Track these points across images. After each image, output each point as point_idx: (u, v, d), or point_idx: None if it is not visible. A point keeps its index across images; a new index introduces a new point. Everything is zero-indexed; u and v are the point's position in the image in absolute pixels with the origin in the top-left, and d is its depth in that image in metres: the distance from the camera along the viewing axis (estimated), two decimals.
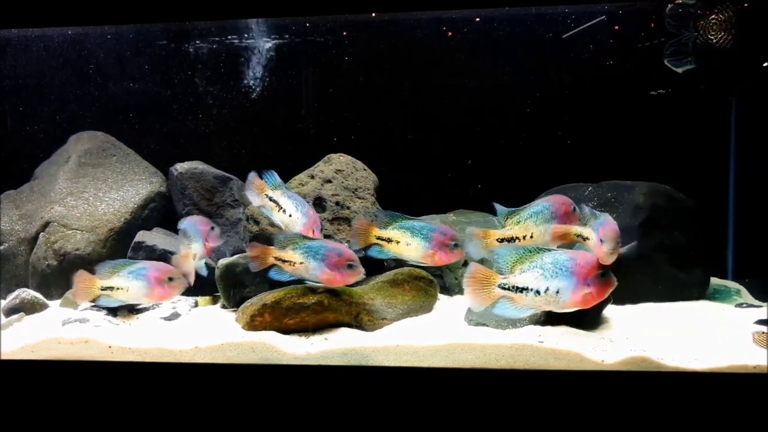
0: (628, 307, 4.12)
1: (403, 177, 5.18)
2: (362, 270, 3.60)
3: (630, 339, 3.44)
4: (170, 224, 5.22)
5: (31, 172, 5.48)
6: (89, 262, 4.79)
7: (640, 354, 3.10)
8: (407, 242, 3.71)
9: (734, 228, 5.01)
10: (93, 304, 4.03)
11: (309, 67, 5.34)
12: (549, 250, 3.17)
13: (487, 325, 3.70)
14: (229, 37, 5.31)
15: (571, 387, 3.00)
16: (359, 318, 3.82)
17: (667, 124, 4.92)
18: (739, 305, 4.20)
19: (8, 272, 5.00)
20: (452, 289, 4.65)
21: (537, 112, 5.16)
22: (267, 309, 3.68)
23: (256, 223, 4.52)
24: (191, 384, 3.21)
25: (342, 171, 4.68)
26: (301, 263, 3.64)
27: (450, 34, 5.19)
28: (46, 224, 4.96)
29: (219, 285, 4.32)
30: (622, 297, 4.02)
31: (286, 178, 4.65)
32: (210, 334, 3.62)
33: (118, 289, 3.77)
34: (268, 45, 5.31)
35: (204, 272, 4.28)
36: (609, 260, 3.13)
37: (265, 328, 3.67)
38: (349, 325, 3.79)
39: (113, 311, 4.23)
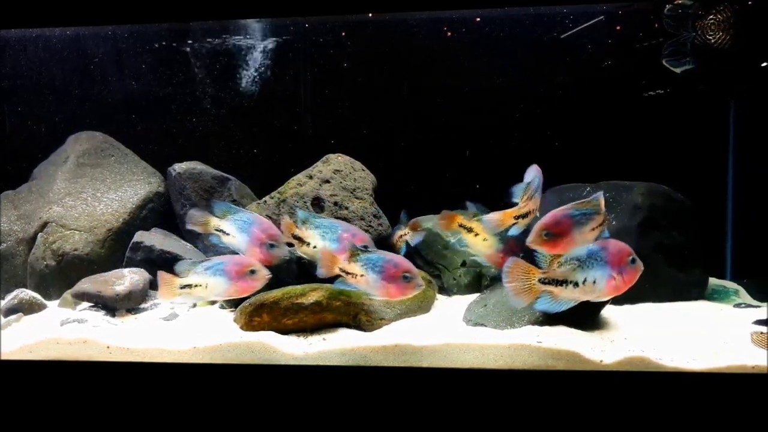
0: (627, 308, 4.12)
1: (401, 177, 5.17)
2: (420, 282, 3.43)
3: (629, 339, 3.44)
4: (169, 224, 5.23)
5: (29, 172, 5.48)
6: (87, 263, 4.81)
7: (639, 354, 3.10)
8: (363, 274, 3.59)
9: (733, 228, 5.01)
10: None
11: (307, 67, 5.34)
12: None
13: (486, 326, 3.70)
14: (228, 37, 5.31)
15: (569, 387, 3.00)
16: (358, 318, 3.82)
17: (665, 125, 4.92)
18: (738, 305, 4.20)
19: (7, 272, 4.99)
20: (450, 289, 4.65)
21: (536, 112, 5.17)
22: (265, 309, 3.68)
23: None
24: (189, 384, 3.21)
25: (340, 171, 4.68)
26: (362, 276, 3.48)
27: (449, 34, 5.19)
28: (45, 224, 4.95)
29: None
30: (620, 297, 4.01)
31: (284, 178, 4.65)
32: (208, 334, 3.61)
33: (196, 286, 3.66)
34: (267, 45, 5.32)
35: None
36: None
37: (263, 329, 3.66)
38: (348, 326, 3.79)
39: (112, 311, 4.23)
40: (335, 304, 3.74)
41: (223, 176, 5.19)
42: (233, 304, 4.24)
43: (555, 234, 3.20)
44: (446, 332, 3.56)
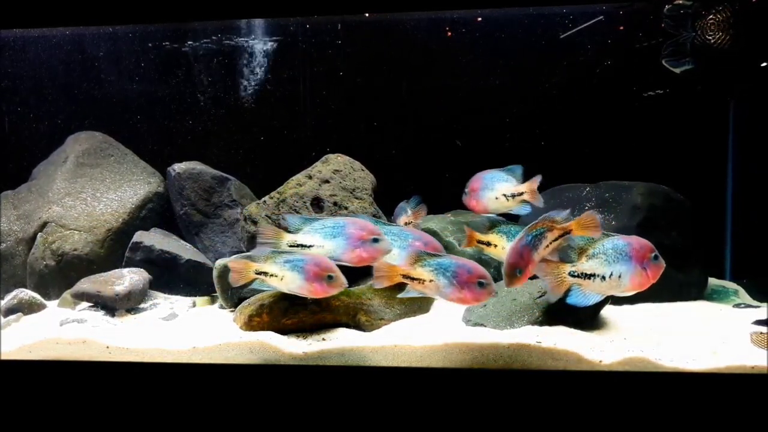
0: (626, 308, 4.12)
1: (401, 177, 5.17)
2: (495, 288, 3.27)
3: (628, 339, 3.44)
4: (168, 224, 5.23)
5: (29, 172, 5.48)
6: (87, 263, 4.81)
7: (638, 354, 3.10)
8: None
9: (732, 228, 5.01)
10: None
11: (307, 68, 5.34)
12: (608, 235, 3.21)
13: (485, 326, 3.70)
14: (227, 37, 5.31)
15: (569, 387, 3.00)
16: (357, 318, 3.82)
17: (665, 125, 4.92)
18: (737, 305, 4.20)
19: (6, 272, 4.99)
20: None
21: (535, 113, 5.17)
22: (265, 309, 3.68)
23: (254, 223, 4.52)
24: (189, 384, 3.21)
25: (340, 171, 4.68)
26: (431, 281, 3.30)
27: (449, 34, 5.19)
28: (44, 224, 4.95)
29: (217, 285, 4.32)
30: (620, 297, 4.02)
31: (283, 178, 4.65)
32: (208, 334, 3.61)
33: (272, 275, 3.51)
34: (266, 45, 5.31)
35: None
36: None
37: (263, 329, 3.66)
38: (347, 326, 3.78)
39: (111, 311, 4.23)
40: (335, 304, 3.74)
41: (223, 176, 5.19)
42: (233, 304, 4.24)
43: (523, 268, 3.22)
44: (445, 332, 3.56)
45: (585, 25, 4.82)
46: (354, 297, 3.83)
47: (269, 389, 3.16)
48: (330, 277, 3.41)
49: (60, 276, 4.80)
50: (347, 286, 3.53)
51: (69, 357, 3.37)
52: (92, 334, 3.57)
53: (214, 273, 4.31)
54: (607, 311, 3.85)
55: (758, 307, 4.15)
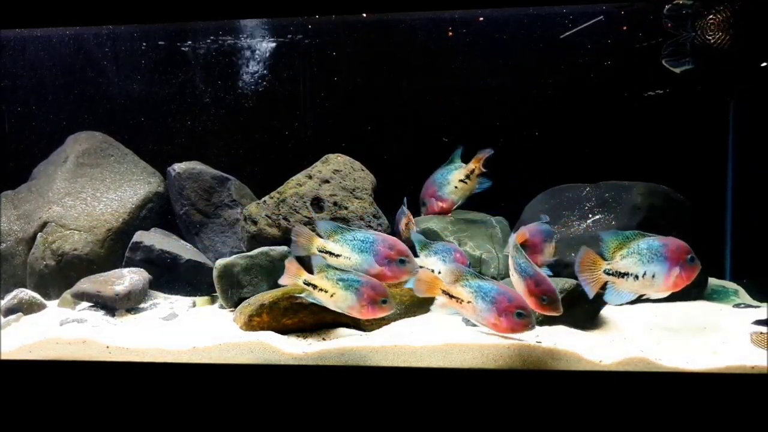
0: (626, 308, 4.11)
1: (401, 177, 5.17)
2: (533, 321, 3.27)
3: (628, 339, 3.44)
4: (168, 224, 5.23)
5: (29, 172, 5.47)
6: (87, 263, 4.81)
7: (638, 354, 3.10)
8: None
9: (732, 228, 5.01)
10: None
11: (307, 67, 5.34)
12: (645, 235, 3.25)
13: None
14: (227, 37, 5.31)
15: (568, 387, 3.00)
16: (357, 318, 3.81)
17: (665, 125, 4.92)
18: (737, 305, 4.20)
19: (6, 272, 4.99)
20: None
21: (535, 112, 5.16)
22: (265, 309, 3.68)
23: (254, 223, 4.52)
24: (189, 384, 3.21)
25: (340, 171, 4.68)
26: (468, 302, 3.32)
27: (450, 34, 5.19)
28: (44, 224, 4.95)
29: (217, 285, 4.32)
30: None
31: (283, 178, 4.65)
32: (208, 334, 3.61)
33: (322, 290, 3.45)
34: (266, 45, 5.32)
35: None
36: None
37: (263, 329, 3.66)
38: (347, 326, 3.78)
39: (111, 311, 4.23)
40: None
41: (223, 176, 5.19)
42: (233, 304, 4.24)
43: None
44: (445, 332, 3.56)
45: (585, 25, 4.82)
46: None
47: (269, 389, 3.16)
48: (384, 301, 3.37)
49: (60, 276, 4.79)
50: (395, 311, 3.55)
51: (69, 357, 3.37)
52: (92, 334, 3.57)
53: (214, 273, 4.31)
54: (607, 311, 3.85)
55: (758, 307, 4.15)
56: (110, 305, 4.24)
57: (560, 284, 3.64)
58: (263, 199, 4.59)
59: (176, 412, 3.20)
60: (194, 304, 4.55)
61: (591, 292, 3.29)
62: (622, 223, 4.34)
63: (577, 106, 5.09)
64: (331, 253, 3.59)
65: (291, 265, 3.51)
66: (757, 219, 4.67)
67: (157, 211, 5.24)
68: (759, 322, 3.67)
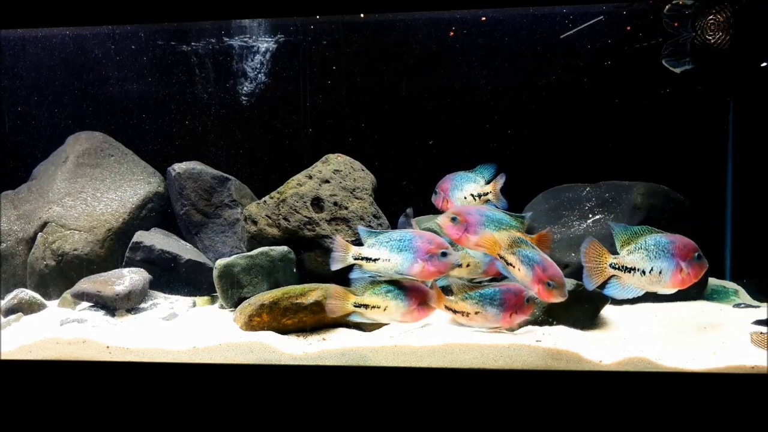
0: (626, 308, 4.12)
1: (401, 177, 5.17)
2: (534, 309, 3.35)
3: (628, 339, 3.44)
4: (168, 224, 5.23)
5: (29, 172, 5.47)
6: (87, 263, 4.81)
7: (638, 354, 3.10)
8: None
9: (732, 228, 5.01)
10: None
11: (307, 67, 5.34)
12: (653, 231, 3.25)
13: None
14: (227, 37, 5.31)
15: (569, 387, 3.00)
16: None
17: (665, 125, 4.92)
18: (737, 305, 4.20)
19: (6, 272, 4.99)
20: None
21: (535, 112, 5.16)
22: (265, 309, 3.68)
23: (254, 223, 4.52)
24: (189, 384, 3.21)
25: (340, 171, 4.68)
26: (476, 313, 3.40)
27: (451, 34, 5.19)
28: (44, 224, 4.95)
29: (217, 285, 4.32)
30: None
31: (284, 178, 4.65)
32: (208, 334, 3.61)
33: (374, 307, 3.42)
34: (267, 45, 5.32)
35: None
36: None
37: (263, 329, 3.67)
38: (347, 326, 3.78)
39: (111, 311, 4.23)
40: None
41: (223, 176, 5.19)
42: (233, 304, 4.24)
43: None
44: (446, 332, 3.56)
45: (585, 25, 4.82)
46: None
47: (269, 389, 3.16)
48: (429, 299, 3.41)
49: (60, 276, 4.80)
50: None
51: (69, 357, 3.37)
52: (92, 334, 3.57)
53: (215, 273, 4.31)
54: (608, 311, 3.85)
55: (758, 307, 4.15)
56: (110, 305, 4.24)
57: None
58: (263, 199, 4.59)
59: (176, 412, 3.20)
60: (194, 304, 4.56)
61: (591, 285, 3.28)
62: (622, 223, 4.34)
63: (577, 106, 5.09)
64: (368, 259, 3.50)
65: (337, 290, 3.46)
66: (756, 219, 4.67)
67: (157, 211, 5.24)
68: (759, 322, 3.67)
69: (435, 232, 4.64)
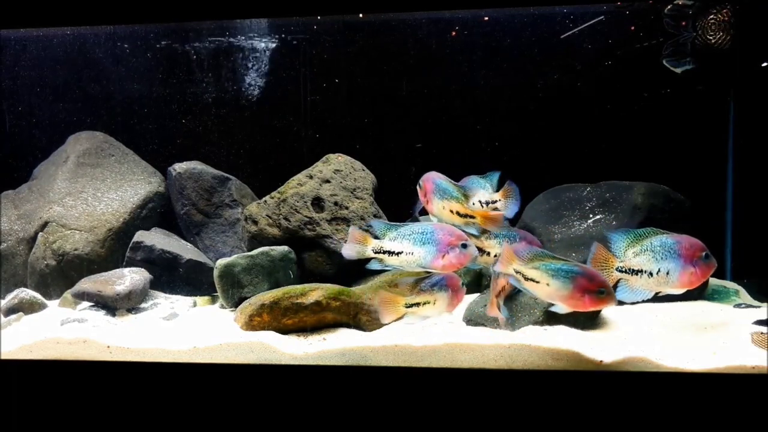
0: (626, 308, 4.11)
1: (401, 177, 5.17)
2: (615, 299, 3.16)
3: (628, 339, 3.44)
4: (169, 224, 5.23)
5: (29, 172, 5.48)
6: (88, 262, 4.81)
7: (639, 354, 3.10)
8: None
9: (733, 228, 5.01)
10: None
11: (307, 67, 5.34)
12: (657, 232, 3.23)
13: (486, 325, 3.70)
14: (228, 37, 5.31)
15: (569, 387, 3.00)
16: (357, 318, 3.82)
17: (665, 125, 4.92)
18: (738, 305, 4.19)
19: (7, 272, 4.99)
20: None
21: (536, 112, 5.16)
22: (265, 309, 3.68)
23: (255, 223, 4.52)
24: (189, 384, 3.21)
25: (340, 171, 4.69)
26: (547, 285, 3.23)
27: (454, 34, 5.19)
28: (45, 224, 4.96)
29: (218, 285, 4.32)
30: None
31: (284, 178, 4.66)
32: (208, 334, 3.62)
33: (424, 303, 3.40)
34: (267, 45, 5.32)
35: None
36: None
37: (263, 328, 3.67)
38: (348, 326, 3.79)
39: (112, 311, 4.23)
40: (335, 304, 3.74)
41: (223, 176, 5.20)
42: (234, 303, 4.24)
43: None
44: (446, 332, 3.56)
45: (586, 24, 4.82)
46: (355, 297, 3.84)
47: (270, 389, 3.16)
48: (463, 285, 3.43)
49: (61, 276, 4.80)
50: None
51: (70, 357, 3.38)
52: (93, 334, 3.57)
53: (215, 273, 4.31)
54: (608, 311, 3.85)
55: (759, 307, 4.15)
56: (111, 305, 4.24)
57: None
58: (264, 198, 4.59)
59: (177, 412, 3.20)
60: (195, 304, 4.56)
61: None
62: (623, 223, 4.34)
63: (577, 106, 5.09)
64: (390, 252, 3.46)
65: (386, 296, 3.42)
66: (757, 219, 4.66)
67: (157, 211, 5.24)
68: (759, 322, 3.67)
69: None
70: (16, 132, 5.45)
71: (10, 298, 4.38)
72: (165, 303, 4.49)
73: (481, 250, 3.67)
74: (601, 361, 3.07)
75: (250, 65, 5.36)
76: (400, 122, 5.40)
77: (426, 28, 5.22)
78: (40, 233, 4.94)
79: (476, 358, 3.18)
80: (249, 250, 4.40)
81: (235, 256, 4.34)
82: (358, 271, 4.49)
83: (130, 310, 4.31)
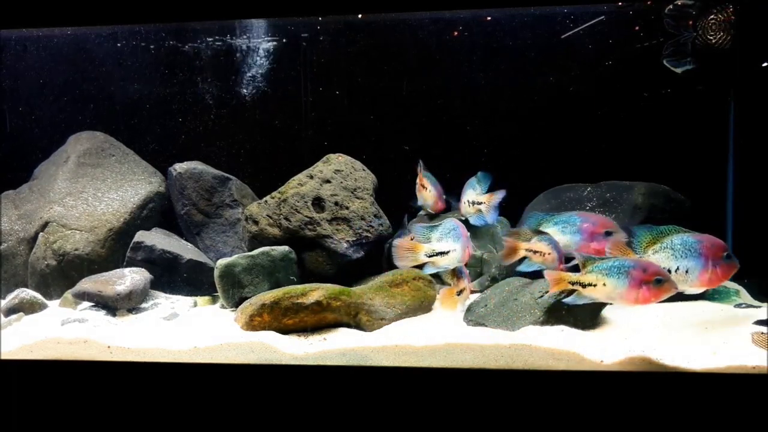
0: (627, 308, 4.11)
1: (402, 177, 5.17)
2: (675, 284, 3.13)
3: (629, 339, 3.44)
4: (169, 224, 5.23)
5: (30, 172, 5.48)
6: (88, 262, 4.81)
7: (639, 354, 3.10)
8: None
9: (733, 228, 5.00)
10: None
11: (308, 67, 5.34)
12: (680, 230, 3.25)
13: (486, 325, 3.71)
14: (228, 36, 5.31)
15: (570, 387, 3.00)
16: (358, 318, 3.82)
17: (665, 125, 4.92)
18: (738, 305, 4.19)
19: (7, 272, 4.99)
20: None
21: (536, 112, 5.16)
22: (266, 309, 3.68)
23: (255, 223, 4.52)
24: (190, 384, 3.21)
25: (341, 171, 4.69)
26: (604, 285, 3.18)
27: (455, 33, 5.19)
28: (45, 224, 4.96)
29: (218, 285, 4.32)
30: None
31: (284, 178, 4.66)
32: (209, 334, 3.62)
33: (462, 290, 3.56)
34: (267, 45, 5.32)
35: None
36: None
37: (263, 328, 3.67)
38: (348, 325, 3.79)
39: (112, 311, 4.24)
40: (335, 304, 3.74)
41: (224, 176, 5.20)
42: (234, 303, 4.24)
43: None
44: (447, 332, 3.56)
45: (586, 24, 4.82)
46: (355, 297, 3.84)
47: (270, 389, 3.16)
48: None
49: (61, 276, 4.80)
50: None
51: (70, 357, 3.38)
52: (93, 334, 3.58)
53: (216, 273, 4.31)
54: (608, 311, 3.85)
55: (759, 307, 4.15)
56: (111, 305, 4.24)
57: None
58: (264, 198, 4.59)
59: (177, 412, 3.20)
60: (195, 304, 4.56)
61: None
62: (623, 223, 4.34)
63: (577, 105, 5.09)
64: (442, 253, 3.54)
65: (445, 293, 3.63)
66: (757, 219, 4.66)
67: (158, 211, 5.24)
68: (760, 322, 3.67)
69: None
70: (16, 132, 5.45)
71: (11, 298, 4.38)
72: (165, 303, 4.49)
73: (533, 252, 3.71)
74: (601, 361, 3.08)
75: (250, 65, 5.36)
76: (401, 122, 5.40)
77: (427, 27, 5.22)
78: (41, 233, 4.94)
79: (476, 358, 3.18)
80: (249, 250, 4.40)
81: (236, 256, 4.34)
82: (358, 271, 4.50)
83: (130, 310, 4.31)
